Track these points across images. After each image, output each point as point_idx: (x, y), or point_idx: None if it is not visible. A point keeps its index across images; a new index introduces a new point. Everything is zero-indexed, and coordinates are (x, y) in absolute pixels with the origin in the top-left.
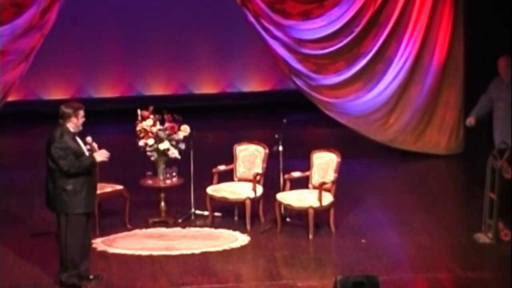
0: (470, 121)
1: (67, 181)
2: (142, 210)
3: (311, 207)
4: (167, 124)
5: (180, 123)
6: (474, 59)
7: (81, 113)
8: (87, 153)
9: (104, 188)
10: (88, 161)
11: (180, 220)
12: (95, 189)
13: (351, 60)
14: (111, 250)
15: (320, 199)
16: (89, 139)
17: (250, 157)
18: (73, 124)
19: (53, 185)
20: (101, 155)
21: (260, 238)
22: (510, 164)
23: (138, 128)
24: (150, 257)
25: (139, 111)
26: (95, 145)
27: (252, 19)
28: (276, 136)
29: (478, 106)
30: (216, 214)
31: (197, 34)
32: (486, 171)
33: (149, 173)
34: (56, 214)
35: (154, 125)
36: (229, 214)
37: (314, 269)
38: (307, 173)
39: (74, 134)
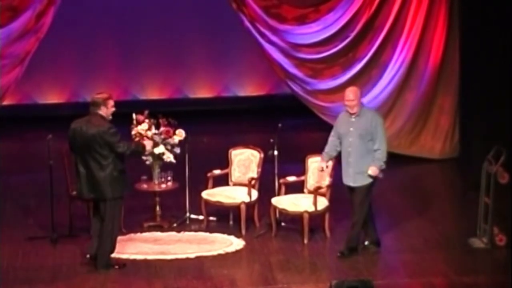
0: (327, 166)
1: (119, 164)
2: (137, 214)
3: (306, 211)
4: (162, 128)
5: (175, 127)
6: (469, 64)
7: (111, 102)
8: None
9: None
10: (139, 147)
11: (175, 225)
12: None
13: (346, 64)
14: None
15: (315, 204)
16: None
17: (245, 161)
18: (103, 113)
19: (104, 172)
20: (149, 144)
21: (255, 243)
22: (505, 169)
23: (133, 132)
24: (145, 261)
25: (134, 115)
26: None
27: (247, 24)
28: (271, 140)
29: (329, 147)
30: (211, 218)
31: (192, 38)
32: (481, 176)
33: (144, 177)
34: (102, 200)
35: (149, 129)
36: (224, 218)
37: (309, 274)
38: (302, 177)
39: None
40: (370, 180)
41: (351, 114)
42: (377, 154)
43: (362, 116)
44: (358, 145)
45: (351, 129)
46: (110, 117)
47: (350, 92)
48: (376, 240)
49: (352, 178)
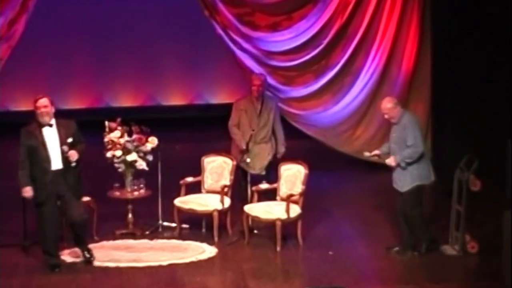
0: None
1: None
2: (109, 221)
3: (278, 219)
4: (134, 136)
5: (147, 135)
6: (441, 71)
7: (36, 105)
8: (58, 149)
9: None
10: (22, 179)
11: (147, 232)
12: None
13: (319, 72)
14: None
15: (287, 211)
16: (65, 148)
17: (217, 169)
18: (36, 116)
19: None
20: (26, 192)
21: (227, 250)
22: (477, 176)
23: (105, 140)
24: (117, 269)
25: (106, 123)
26: (72, 152)
27: (220, 31)
28: (244, 148)
29: (385, 145)
30: (184, 226)
31: (165, 45)
32: (453, 183)
33: (117, 184)
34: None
35: (121, 136)
36: (197, 226)
37: (282, 281)
38: (275, 185)
39: (43, 125)
40: (414, 184)
41: (395, 123)
42: (404, 152)
43: (401, 122)
44: (396, 151)
45: (393, 134)
46: (46, 120)
47: (388, 103)
48: (411, 245)
49: (397, 183)
